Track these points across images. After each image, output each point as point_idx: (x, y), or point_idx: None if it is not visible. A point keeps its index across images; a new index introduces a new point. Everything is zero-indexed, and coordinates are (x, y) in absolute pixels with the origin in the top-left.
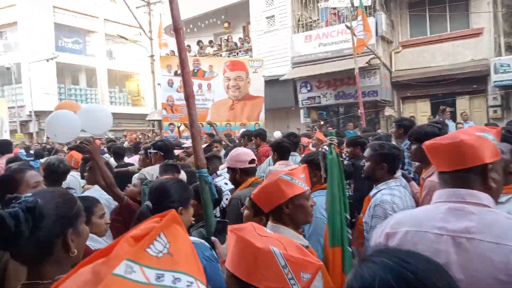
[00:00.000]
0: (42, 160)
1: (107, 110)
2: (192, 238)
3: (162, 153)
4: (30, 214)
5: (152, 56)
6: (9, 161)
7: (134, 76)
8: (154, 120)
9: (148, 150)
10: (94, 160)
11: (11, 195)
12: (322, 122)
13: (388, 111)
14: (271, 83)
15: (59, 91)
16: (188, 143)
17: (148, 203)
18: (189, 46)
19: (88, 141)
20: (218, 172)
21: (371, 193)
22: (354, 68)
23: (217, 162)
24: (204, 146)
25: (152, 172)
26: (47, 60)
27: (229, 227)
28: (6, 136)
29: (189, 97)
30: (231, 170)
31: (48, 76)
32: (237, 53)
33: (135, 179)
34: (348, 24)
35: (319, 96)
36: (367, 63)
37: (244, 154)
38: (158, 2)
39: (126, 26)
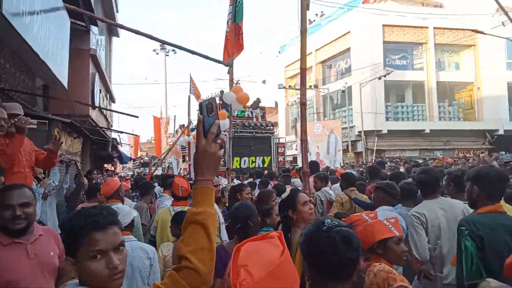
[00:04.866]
0: None
1: None
2: None
3: None
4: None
5: None
6: None
7: (466, 87)
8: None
9: None
10: None
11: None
12: None
13: None
14: None
15: (386, 109)
16: None
17: None
18: None
19: None
20: None
21: None
22: None
23: None
24: None
25: None
26: (379, 78)
27: None
28: (339, 155)
29: None
30: None
31: (375, 96)
32: None
33: None
34: None
35: None
36: None
37: None
38: None
39: (457, 30)
